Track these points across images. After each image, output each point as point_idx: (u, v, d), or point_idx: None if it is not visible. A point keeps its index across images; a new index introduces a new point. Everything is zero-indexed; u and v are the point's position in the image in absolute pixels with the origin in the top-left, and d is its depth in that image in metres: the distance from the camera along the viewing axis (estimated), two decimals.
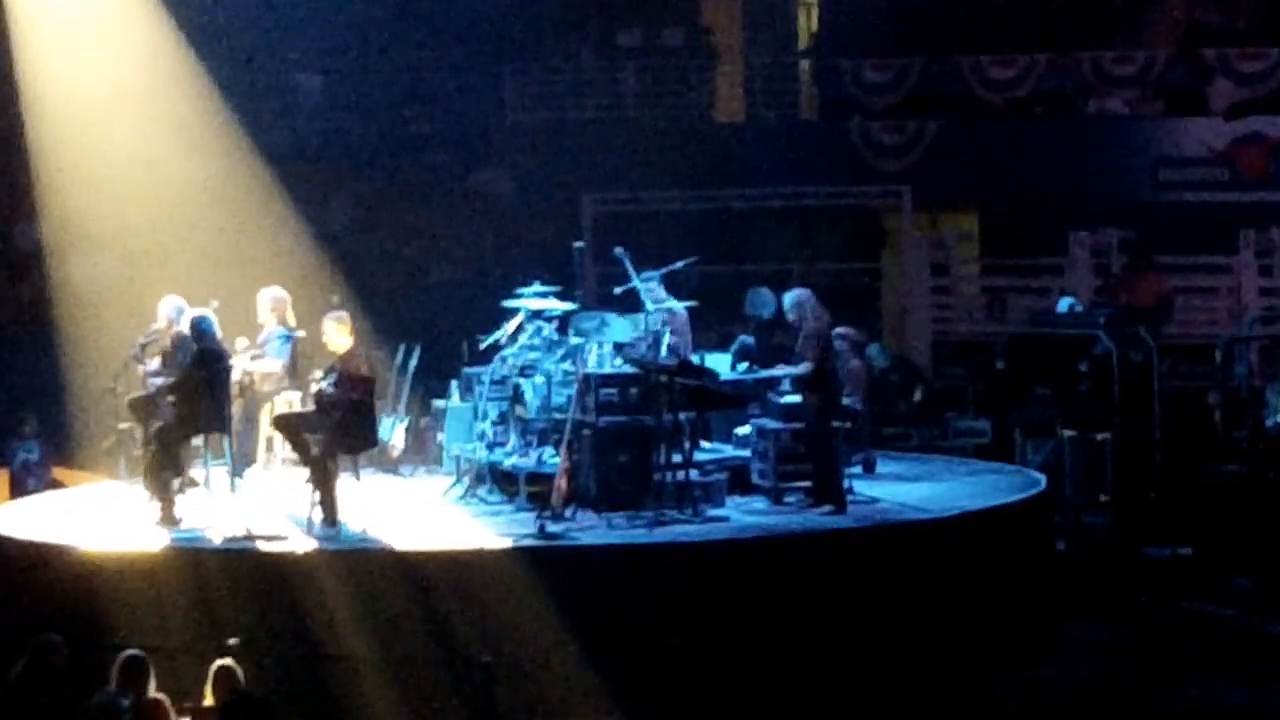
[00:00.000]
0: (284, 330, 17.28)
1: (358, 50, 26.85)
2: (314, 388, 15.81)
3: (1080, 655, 15.62)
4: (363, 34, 26.55)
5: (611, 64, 27.99)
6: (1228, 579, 17.64)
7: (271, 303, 17.37)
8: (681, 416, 15.82)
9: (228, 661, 12.34)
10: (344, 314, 15.83)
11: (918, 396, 22.07)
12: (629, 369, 16.21)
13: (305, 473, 15.65)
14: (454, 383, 18.13)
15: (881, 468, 17.70)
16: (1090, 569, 17.84)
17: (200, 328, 15.86)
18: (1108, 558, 18.19)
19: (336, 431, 15.34)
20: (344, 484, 15.45)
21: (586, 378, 16.01)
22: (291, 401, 17.50)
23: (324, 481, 15.25)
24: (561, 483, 15.29)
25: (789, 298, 16.18)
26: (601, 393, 15.92)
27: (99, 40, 21.81)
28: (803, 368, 15.88)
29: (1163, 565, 18.12)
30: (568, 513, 15.34)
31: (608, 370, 16.28)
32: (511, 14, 26.44)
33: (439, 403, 18.33)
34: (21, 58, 21.71)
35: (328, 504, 15.23)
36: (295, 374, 17.41)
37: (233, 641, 13.10)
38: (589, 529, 15.19)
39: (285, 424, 16.19)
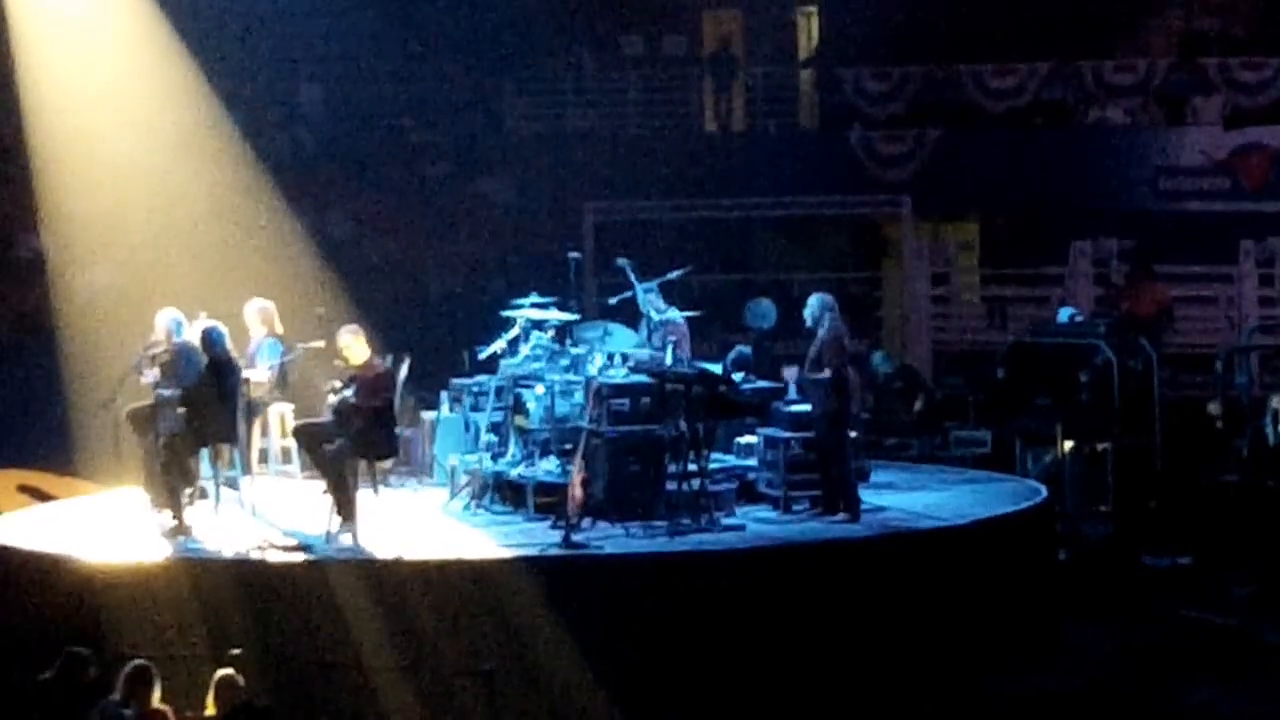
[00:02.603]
0: (274, 340, 17.27)
1: (358, 60, 26.89)
2: (331, 398, 15.83)
3: (1079, 663, 15.63)
4: (363, 44, 26.58)
5: (612, 73, 28.03)
6: (1227, 588, 17.65)
7: (259, 314, 17.34)
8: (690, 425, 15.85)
9: (229, 671, 12.36)
10: (356, 326, 15.89)
11: (919, 406, 22.07)
12: (639, 378, 16.24)
13: (318, 483, 15.67)
14: (444, 393, 18.13)
15: (875, 477, 17.68)
16: (1091, 577, 17.84)
17: (211, 338, 15.84)
18: (1108, 566, 18.20)
19: (357, 440, 15.38)
20: (362, 495, 15.47)
21: (599, 388, 16.03)
22: (284, 413, 17.52)
23: (343, 491, 15.27)
24: (577, 492, 15.28)
25: (814, 300, 16.19)
26: (612, 403, 15.95)
27: (101, 51, 21.84)
28: (825, 374, 15.88)
29: (1163, 574, 18.13)
30: (585, 523, 15.31)
31: (619, 380, 16.32)
32: (512, 23, 26.49)
33: (429, 414, 18.30)
34: (23, 68, 21.74)
35: (347, 514, 15.24)
36: (285, 385, 17.41)
37: (236, 651, 13.10)
38: (606, 539, 15.17)
39: (305, 434, 16.15)
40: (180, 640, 14.30)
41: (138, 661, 12.25)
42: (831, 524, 15.78)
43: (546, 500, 16.02)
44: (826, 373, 15.82)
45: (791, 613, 14.36)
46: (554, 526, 15.34)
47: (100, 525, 16.21)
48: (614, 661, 14.00)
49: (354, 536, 15.08)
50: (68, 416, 20.74)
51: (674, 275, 17.37)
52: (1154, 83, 26.65)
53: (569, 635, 13.94)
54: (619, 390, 16.06)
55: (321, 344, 16.95)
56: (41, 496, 18.86)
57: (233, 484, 16.24)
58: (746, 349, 17.98)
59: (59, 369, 21.62)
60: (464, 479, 17.05)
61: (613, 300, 17.51)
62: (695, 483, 15.57)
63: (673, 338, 16.90)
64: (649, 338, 17.03)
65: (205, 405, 15.63)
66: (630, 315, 17.34)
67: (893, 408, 21.73)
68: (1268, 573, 17.70)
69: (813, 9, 28.76)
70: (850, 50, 27.51)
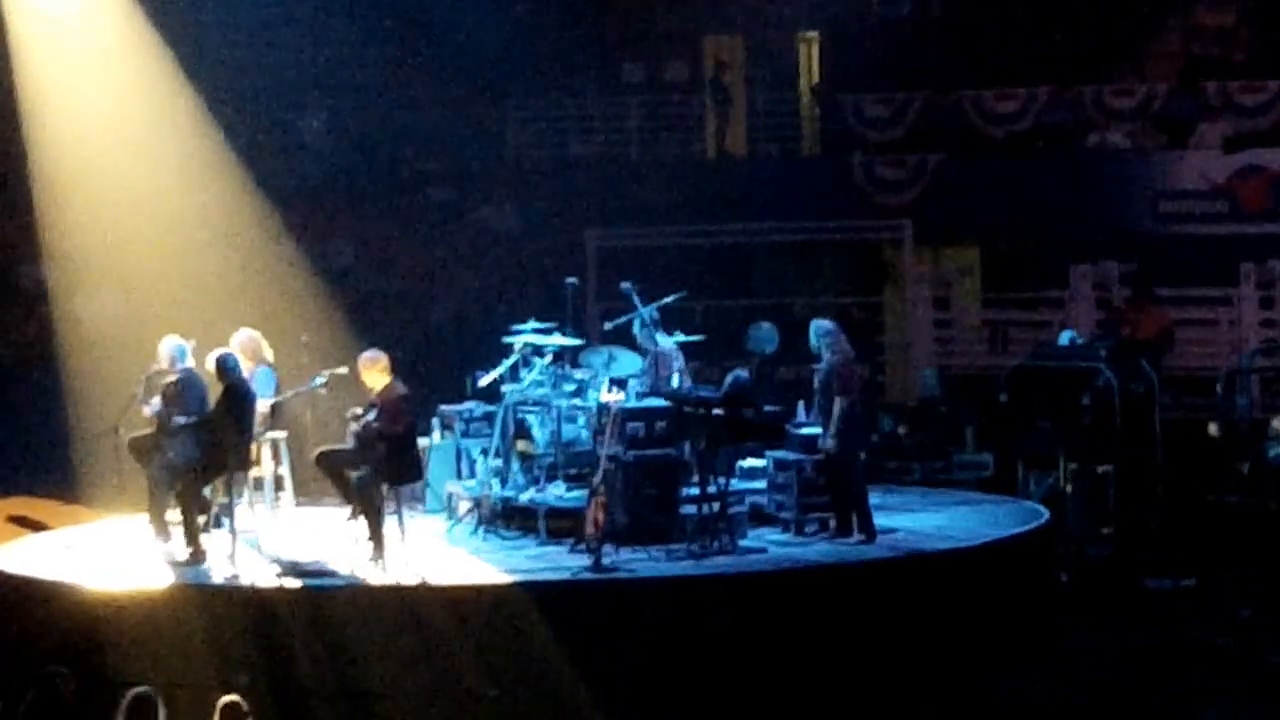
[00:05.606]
0: (267, 369, 17.27)
1: (360, 88, 26.94)
2: (353, 425, 15.86)
3: (1079, 683, 15.63)
4: (364, 73, 26.64)
5: (614, 99, 28.10)
6: (1230, 608, 17.66)
7: (245, 344, 17.23)
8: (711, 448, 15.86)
9: (235, 698, 12.34)
10: (378, 351, 15.92)
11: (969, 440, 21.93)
12: (655, 402, 16.28)
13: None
14: (434, 420, 18.15)
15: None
16: (1094, 599, 17.87)
17: (226, 366, 15.86)
18: (1111, 588, 18.22)
19: (382, 466, 15.40)
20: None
21: (616, 413, 16.05)
22: (277, 440, 17.52)
23: (374, 518, 15.29)
24: (597, 516, 15.30)
25: (816, 326, 16.24)
26: (629, 426, 15.99)
27: (103, 80, 21.90)
28: (840, 404, 15.89)
29: (1165, 595, 18.15)
30: (607, 547, 15.28)
31: (635, 404, 16.36)
32: (513, 51, 26.51)
33: (422, 441, 18.32)
34: (25, 97, 21.81)
35: (376, 539, 15.25)
36: (280, 413, 17.40)
37: (243, 678, 13.10)
38: (630, 562, 15.21)
39: (327, 461, 16.14)
40: (186, 668, 14.30)
41: (138, 690, 12.23)
42: (849, 546, 15.85)
43: (560, 525, 16.04)
44: (839, 402, 15.88)
45: (818, 633, 14.47)
46: (573, 550, 15.40)
47: (104, 553, 16.23)
48: (649, 684, 14.06)
49: (384, 562, 15.11)
50: (70, 445, 20.78)
51: (669, 300, 17.43)
52: (1154, 107, 26.71)
53: (601, 659, 13.97)
54: (635, 414, 16.12)
55: (345, 370, 17.00)
56: (34, 526, 18.88)
57: (230, 511, 16.24)
58: (744, 374, 18.00)
59: (61, 398, 21.68)
60: (465, 505, 17.07)
61: (608, 325, 17.57)
62: (715, 505, 15.60)
63: (676, 365, 16.99)
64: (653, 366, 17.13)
65: (222, 433, 15.66)
66: (630, 339, 17.40)
67: (928, 427, 21.74)
68: (1270, 593, 17.72)
69: (813, 35, 28.81)
70: (851, 76, 27.57)
